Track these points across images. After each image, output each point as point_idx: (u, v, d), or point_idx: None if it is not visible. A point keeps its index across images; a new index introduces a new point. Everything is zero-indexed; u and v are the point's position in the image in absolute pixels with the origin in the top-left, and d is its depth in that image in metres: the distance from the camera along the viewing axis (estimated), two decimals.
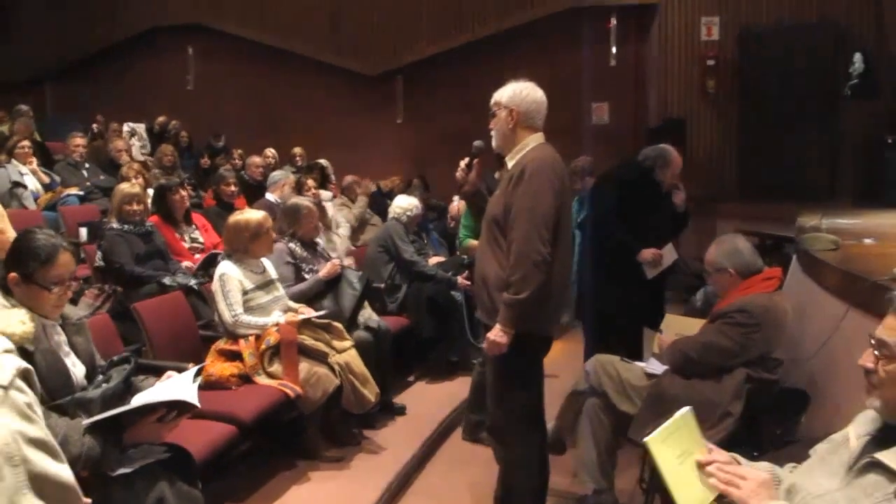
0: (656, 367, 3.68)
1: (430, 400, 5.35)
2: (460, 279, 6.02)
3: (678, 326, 4.11)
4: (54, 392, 2.53)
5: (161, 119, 11.36)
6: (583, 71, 10.74)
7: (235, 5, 12.63)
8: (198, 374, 2.75)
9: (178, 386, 2.68)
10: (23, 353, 2.45)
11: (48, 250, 2.57)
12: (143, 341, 3.90)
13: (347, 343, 4.30)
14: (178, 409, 2.62)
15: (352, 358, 4.23)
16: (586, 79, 10.70)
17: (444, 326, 5.84)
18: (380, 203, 8.49)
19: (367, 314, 5.02)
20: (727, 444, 3.24)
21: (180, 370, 2.95)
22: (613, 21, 10.76)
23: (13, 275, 2.56)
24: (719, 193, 9.74)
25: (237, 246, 4.29)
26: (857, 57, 9.22)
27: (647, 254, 4.84)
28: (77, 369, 2.70)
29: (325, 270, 4.85)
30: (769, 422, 3.38)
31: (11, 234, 5.48)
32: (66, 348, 2.71)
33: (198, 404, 2.63)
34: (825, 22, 9.70)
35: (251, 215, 4.36)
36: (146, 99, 12.44)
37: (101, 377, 2.74)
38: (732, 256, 3.58)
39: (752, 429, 3.33)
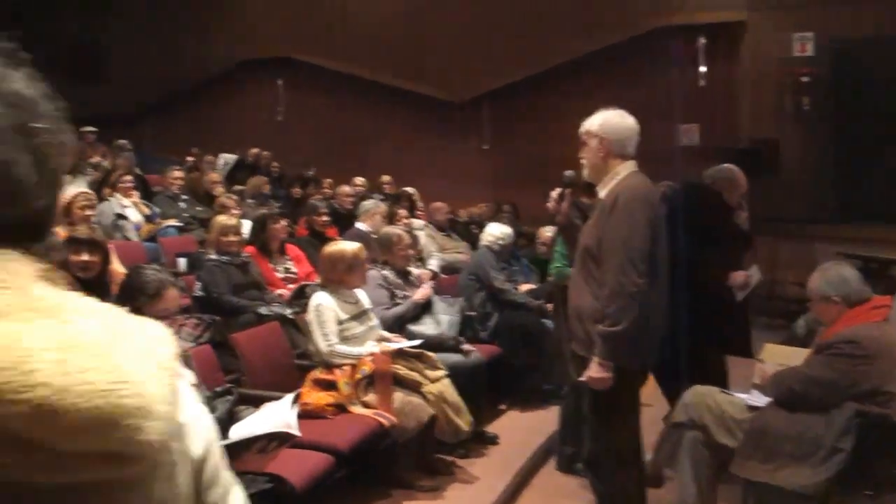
0: (758, 399, 3.58)
1: (523, 429, 5.31)
2: (550, 306, 5.97)
3: (780, 356, 3.99)
4: None
5: (254, 150, 11.68)
6: (671, 92, 10.57)
7: (322, 38, 12.90)
8: (295, 400, 2.79)
9: (277, 415, 2.73)
10: None
11: (156, 285, 2.67)
12: (241, 371, 3.99)
13: (440, 372, 4.31)
14: (278, 439, 2.67)
15: (445, 387, 4.24)
16: (675, 100, 10.52)
17: (535, 354, 5.79)
18: (461, 230, 8.54)
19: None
20: (837, 483, 3.15)
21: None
22: (701, 40, 10.56)
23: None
24: (817, 216, 9.42)
25: (332, 277, 4.37)
26: None
27: (739, 276, 4.66)
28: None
29: (419, 294, 4.90)
30: (884, 461, 3.23)
31: (121, 269, 5.71)
32: None
33: (298, 433, 2.67)
34: None
35: (346, 246, 4.43)
36: (237, 131, 12.81)
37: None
38: (838, 285, 3.46)
39: (865, 468, 3.18)
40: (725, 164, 4.95)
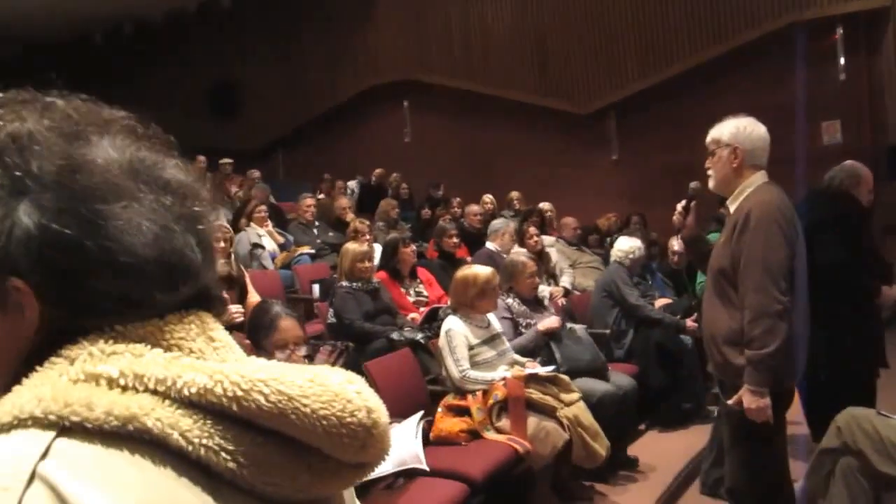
0: None
1: (664, 451, 5.11)
2: (689, 322, 5.75)
3: None
4: None
5: (378, 171, 11.87)
6: (808, 89, 10.06)
7: (444, 58, 13.05)
8: (420, 423, 2.75)
9: (403, 447, 2.69)
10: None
11: (270, 317, 2.72)
12: None
13: (575, 395, 4.20)
14: (405, 475, 2.65)
15: (580, 411, 4.12)
16: (813, 97, 9.99)
17: (674, 373, 5.59)
18: (594, 243, 8.39)
19: None
20: None
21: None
22: (840, 31, 10.01)
23: (247, 342, 2.73)
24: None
25: (463, 301, 4.35)
26: None
27: (892, 293, 4.23)
28: None
29: (544, 324, 4.80)
30: None
31: (255, 298, 5.89)
32: None
33: (426, 468, 2.64)
34: None
35: (479, 271, 4.40)
36: (366, 156, 13.07)
37: None
38: None
39: None
40: (847, 162, 4.48)
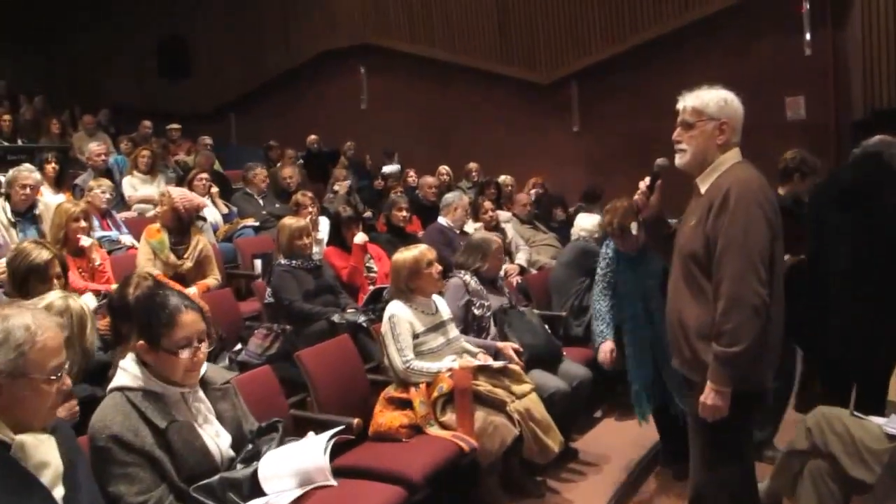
0: None
1: (621, 440, 4.83)
2: None
3: None
4: (195, 469, 2.31)
5: (312, 137, 11.44)
6: (773, 63, 9.83)
7: (403, 23, 12.62)
8: (330, 440, 2.45)
9: (309, 459, 2.39)
10: (152, 428, 2.25)
11: (168, 311, 2.36)
12: (307, 392, 3.69)
13: (527, 386, 3.90)
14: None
15: (533, 403, 3.83)
16: (777, 71, 9.78)
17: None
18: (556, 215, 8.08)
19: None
20: None
21: (344, 427, 2.69)
22: (806, 5, 9.76)
23: (141, 343, 2.38)
24: None
25: (399, 286, 4.03)
26: None
27: None
28: (222, 440, 2.46)
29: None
30: None
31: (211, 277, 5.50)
32: (209, 415, 2.48)
33: (333, 483, 2.36)
34: None
35: (407, 253, 4.08)
36: (321, 122, 12.63)
37: (249, 447, 2.49)
38: None
39: None
40: (878, 136, 4.19)
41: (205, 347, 2.43)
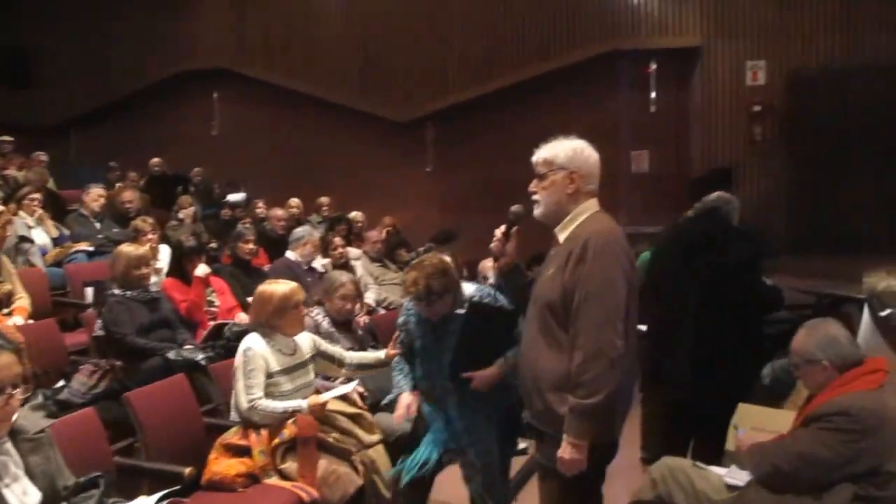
0: (738, 475, 3.10)
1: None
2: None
3: (755, 419, 3.54)
4: None
5: (155, 160, 10.98)
6: (621, 117, 10.26)
7: (262, 50, 12.38)
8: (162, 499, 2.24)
9: None
10: None
11: None
12: (136, 436, 3.39)
13: (375, 437, 3.74)
14: None
15: (379, 455, 3.66)
16: (625, 126, 10.23)
17: None
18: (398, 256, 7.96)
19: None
20: None
21: (175, 476, 2.45)
22: (653, 66, 10.26)
23: None
24: (771, 248, 9.12)
25: (261, 319, 3.79)
26: None
27: None
28: (29, 499, 2.18)
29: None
30: None
31: (22, 298, 5.04)
32: (16, 471, 2.20)
33: None
34: (880, 65, 9.15)
35: (276, 287, 3.83)
36: (170, 145, 12.12)
37: None
38: (827, 346, 3.01)
39: None
40: (717, 193, 4.50)
41: (20, 394, 2.15)
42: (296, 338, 3.91)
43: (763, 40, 9.79)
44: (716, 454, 3.67)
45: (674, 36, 10.17)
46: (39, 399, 3.82)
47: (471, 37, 11.06)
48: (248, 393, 3.59)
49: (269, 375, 3.67)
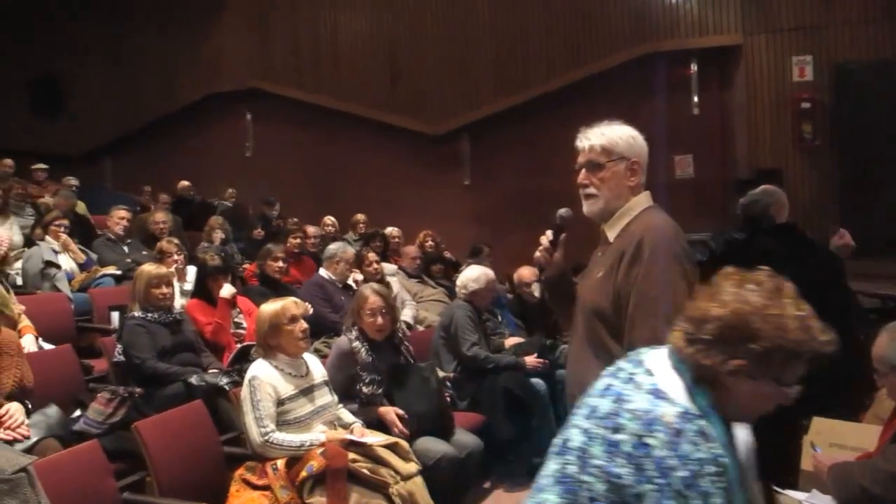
0: (820, 500, 2.74)
1: None
2: (529, 359, 5.09)
3: (832, 435, 3.17)
4: None
5: (184, 184, 10.84)
6: (662, 122, 9.87)
7: (291, 68, 12.23)
8: None
9: None
10: None
11: None
12: (147, 469, 3.11)
13: (413, 468, 3.43)
14: None
15: (417, 488, 3.35)
16: (667, 130, 9.79)
17: (524, 422, 4.92)
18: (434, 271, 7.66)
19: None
20: None
21: None
22: (694, 67, 9.90)
23: None
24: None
25: (261, 342, 3.54)
26: None
27: None
28: None
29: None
30: None
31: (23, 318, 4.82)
32: None
33: None
34: None
35: (267, 306, 3.59)
36: (203, 168, 12.02)
37: None
38: None
39: None
40: (765, 186, 4.38)
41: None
42: (306, 359, 3.65)
43: (808, 34, 9.37)
44: (787, 474, 3.30)
45: (714, 35, 9.80)
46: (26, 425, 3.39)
47: (503, 44, 10.77)
48: (259, 426, 3.32)
49: (280, 402, 3.40)
